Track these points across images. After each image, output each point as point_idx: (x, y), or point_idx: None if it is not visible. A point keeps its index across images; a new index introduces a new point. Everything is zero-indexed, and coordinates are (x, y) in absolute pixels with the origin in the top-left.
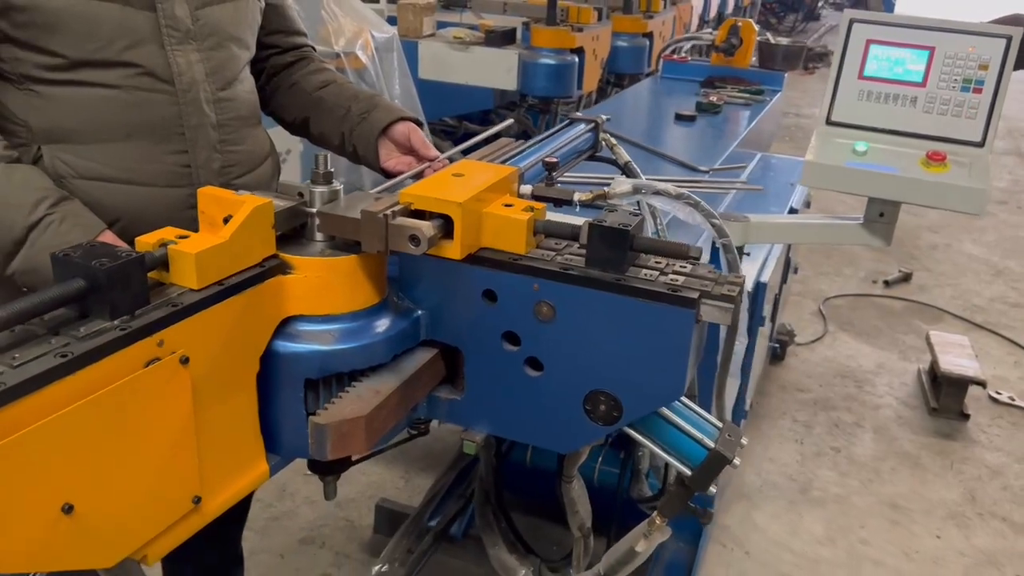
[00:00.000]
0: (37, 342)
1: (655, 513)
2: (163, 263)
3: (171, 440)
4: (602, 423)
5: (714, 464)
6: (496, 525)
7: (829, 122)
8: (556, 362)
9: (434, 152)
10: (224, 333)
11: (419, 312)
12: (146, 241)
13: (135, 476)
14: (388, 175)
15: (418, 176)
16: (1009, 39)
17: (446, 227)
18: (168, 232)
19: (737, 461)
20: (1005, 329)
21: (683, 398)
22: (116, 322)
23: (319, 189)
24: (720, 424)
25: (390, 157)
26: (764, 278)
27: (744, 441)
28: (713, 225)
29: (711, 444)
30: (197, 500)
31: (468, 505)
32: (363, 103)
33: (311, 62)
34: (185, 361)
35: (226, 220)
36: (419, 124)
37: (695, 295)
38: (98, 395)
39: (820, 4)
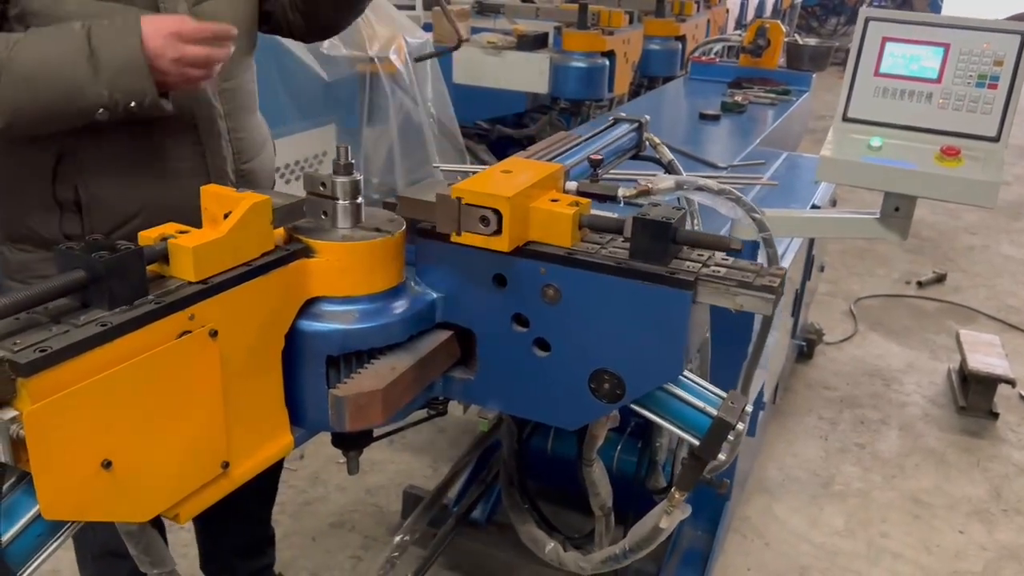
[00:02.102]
0: (43, 327)
1: (673, 489)
2: (163, 256)
3: (201, 407)
4: (607, 400)
5: (719, 430)
6: (522, 505)
7: (845, 118)
8: (562, 343)
9: None
10: (251, 310)
11: (434, 296)
12: (148, 236)
13: (168, 438)
14: None
15: None
16: None
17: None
18: (170, 228)
19: (740, 426)
20: None
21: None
22: (151, 297)
23: (340, 179)
24: (724, 394)
25: None
26: None
27: (749, 408)
28: (754, 220)
29: (713, 412)
30: (225, 465)
31: (489, 491)
32: None
33: None
34: (214, 335)
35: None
36: None
37: (691, 277)
38: (134, 361)
39: (863, 7)
